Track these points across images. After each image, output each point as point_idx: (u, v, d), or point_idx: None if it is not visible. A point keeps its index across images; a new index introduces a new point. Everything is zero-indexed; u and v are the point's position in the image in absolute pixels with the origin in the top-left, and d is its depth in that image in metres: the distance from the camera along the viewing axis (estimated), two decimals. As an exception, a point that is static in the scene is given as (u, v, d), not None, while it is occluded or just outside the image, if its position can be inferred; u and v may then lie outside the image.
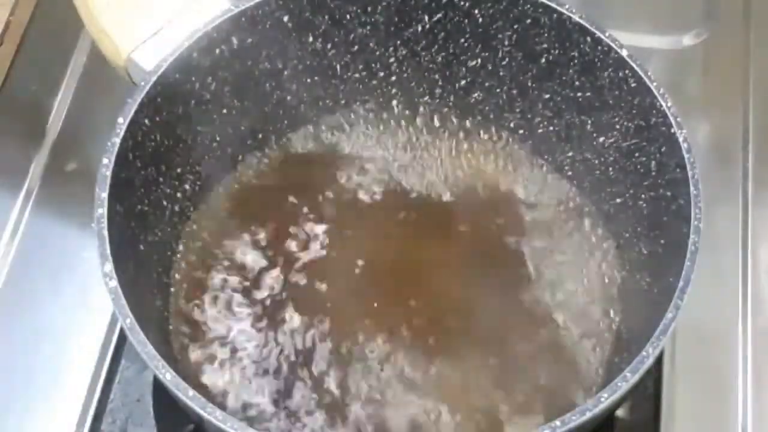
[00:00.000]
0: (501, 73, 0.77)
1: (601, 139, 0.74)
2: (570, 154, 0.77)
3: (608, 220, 0.75)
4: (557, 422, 0.56)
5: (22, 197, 0.81)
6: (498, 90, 0.78)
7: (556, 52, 0.73)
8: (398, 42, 0.77)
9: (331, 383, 0.69)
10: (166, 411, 0.72)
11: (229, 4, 0.71)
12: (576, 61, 0.72)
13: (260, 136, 0.78)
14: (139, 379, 0.73)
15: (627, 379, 0.58)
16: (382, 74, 0.79)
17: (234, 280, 0.73)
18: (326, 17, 0.75)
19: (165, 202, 0.72)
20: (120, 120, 0.66)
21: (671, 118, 0.66)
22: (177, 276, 0.73)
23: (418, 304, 0.72)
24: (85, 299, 0.75)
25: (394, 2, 0.75)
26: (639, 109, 0.69)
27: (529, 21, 0.73)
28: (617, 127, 0.72)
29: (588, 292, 0.73)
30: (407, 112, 0.80)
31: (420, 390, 0.69)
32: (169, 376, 0.58)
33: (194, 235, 0.75)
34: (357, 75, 0.79)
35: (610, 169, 0.74)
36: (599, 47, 0.70)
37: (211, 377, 0.69)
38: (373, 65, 0.78)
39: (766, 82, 0.86)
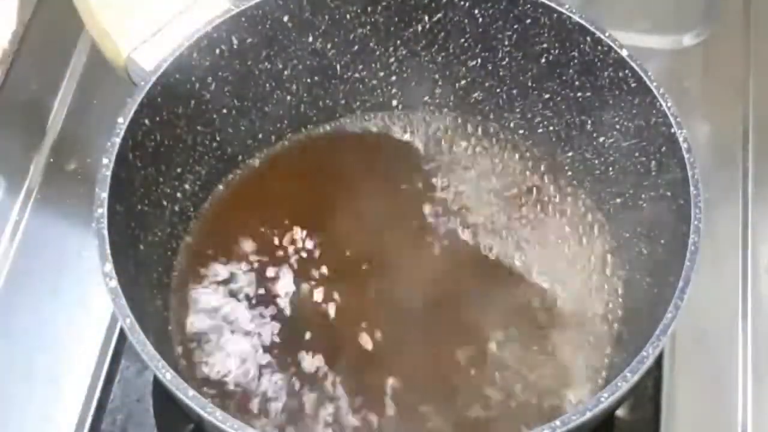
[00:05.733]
0: (501, 73, 0.77)
1: (601, 139, 0.74)
2: (570, 154, 0.77)
3: (608, 220, 0.75)
4: (557, 422, 0.56)
5: (22, 197, 0.81)
6: (498, 90, 0.78)
7: (556, 52, 0.73)
8: (398, 42, 0.77)
9: (333, 380, 0.69)
10: (166, 411, 0.72)
11: (229, 4, 0.71)
12: (576, 61, 0.72)
13: (260, 136, 0.78)
14: (139, 379, 0.73)
15: (627, 379, 0.58)
16: (382, 74, 0.79)
17: (235, 279, 0.73)
18: (326, 17, 0.75)
19: (165, 202, 0.72)
20: (120, 120, 0.66)
21: (671, 118, 0.66)
22: (177, 276, 0.73)
23: (414, 302, 0.72)
24: (85, 299, 0.75)
25: (394, 2, 0.75)
26: (639, 109, 0.69)
27: (529, 21, 0.73)
28: (617, 127, 0.72)
29: (588, 292, 0.73)
30: (407, 111, 0.81)
31: (417, 385, 0.69)
32: (169, 376, 0.58)
33: (194, 235, 0.75)
34: (357, 75, 0.79)
35: (610, 169, 0.74)
36: (599, 47, 0.70)
37: (211, 376, 0.69)
38: (373, 65, 0.78)
39: (766, 82, 0.86)
